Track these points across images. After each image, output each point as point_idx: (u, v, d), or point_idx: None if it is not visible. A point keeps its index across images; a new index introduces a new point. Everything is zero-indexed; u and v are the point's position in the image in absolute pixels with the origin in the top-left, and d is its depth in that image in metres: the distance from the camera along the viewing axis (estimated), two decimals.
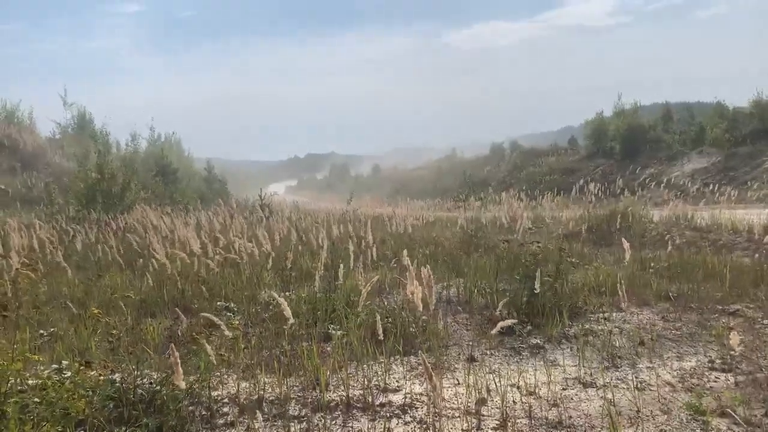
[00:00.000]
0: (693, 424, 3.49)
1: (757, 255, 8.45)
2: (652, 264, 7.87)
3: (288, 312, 4.02)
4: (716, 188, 17.36)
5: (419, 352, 4.54)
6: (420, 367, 4.58)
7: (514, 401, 3.84)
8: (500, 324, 3.54)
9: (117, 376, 3.69)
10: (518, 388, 4.07)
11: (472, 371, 4.21)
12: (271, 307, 6.07)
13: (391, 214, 15.82)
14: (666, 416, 3.59)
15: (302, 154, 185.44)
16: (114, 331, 4.78)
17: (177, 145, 47.99)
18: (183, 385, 2.93)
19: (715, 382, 4.17)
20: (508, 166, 49.12)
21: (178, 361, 2.78)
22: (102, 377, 3.61)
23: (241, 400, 3.95)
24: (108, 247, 8.90)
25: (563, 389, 4.07)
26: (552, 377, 4.20)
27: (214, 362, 3.73)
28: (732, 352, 4.13)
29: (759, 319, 5.66)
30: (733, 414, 3.50)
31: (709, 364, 4.50)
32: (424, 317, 5.41)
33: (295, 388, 4.16)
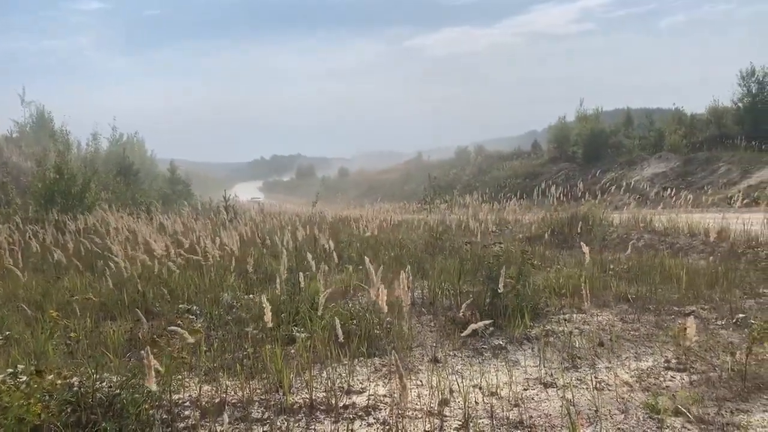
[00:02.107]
0: (649, 422, 3.58)
1: (711, 257, 8.70)
2: (611, 266, 8.04)
3: (269, 315, 4.01)
4: (674, 192, 17.80)
5: (391, 353, 4.56)
6: (384, 369, 4.60)
7: (476, 402, 3.89)
8: (472, 326, 3.59)
9: (75, 380, 3.61)
10: (480, 388, 4.12)
11: (435, 372, 4.25)
12: (234, 310, 6.03)
13: (357, 217, 15.83)
14: (624, 415, 3.68)
15: (268, 156, 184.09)
16: (73, 335, 4.69)
17: (140, 146, 47.19)
18: (155, 387, 2.89)
19: (671, 381, 4.28)
20: (473, 169, 49.61)
21: (152, 364, 2.75)
22: (59, 381, 3.53)
23: (203, 403, 3.91)
24: (66, 249, 8.70)
25: (524, 389, 4.13)
26: (513, 378, 4.27)
27: (173, 365, 3.69)
28: (688, 344, 4.26)
29: (713, 320, 5.82)
30: (687, 413, 3.60)
31: (666, 364, 4.61)
32: (388, 319, 5.44)
33: (258, 391, 4.14)
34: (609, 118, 43.92)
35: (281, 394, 3.99)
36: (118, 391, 3.50)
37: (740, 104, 34.20)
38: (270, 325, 3.76)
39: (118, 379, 3.68)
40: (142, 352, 2.81)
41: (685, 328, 3.70)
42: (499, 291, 5.23)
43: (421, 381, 4.32)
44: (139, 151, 45.23)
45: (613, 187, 21.26)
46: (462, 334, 3.69)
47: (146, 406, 3.56)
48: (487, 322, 4.07)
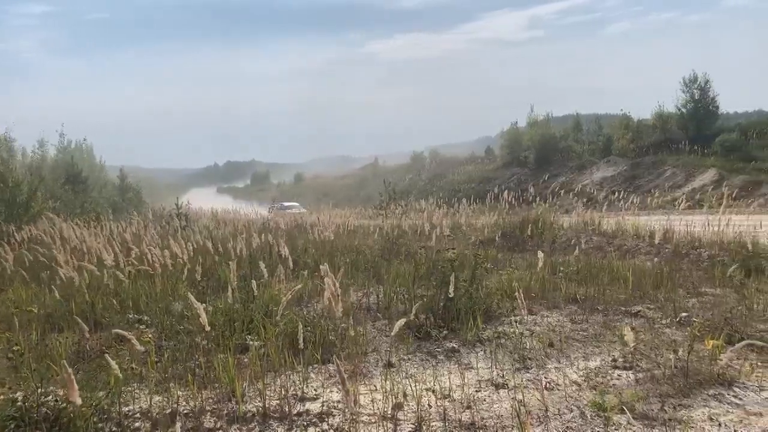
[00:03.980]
0: (596, 420, 3.68)
1: (657, 259, 9.00)
2: (561, 268, 8.23)
3: (204, 318, 3.97)
4: (622, 195, 18.35)
5: (334, 360, 4.56)
6: (338, 375, 4.60)
7: (429, 405, 3.93)
8: (398, 324, 3.67)
9: (19, 395, 3.51)
10: (434, 391, 4.16)
11: (389, 377, 4.28)
12: (186, 319, 5.94)
13: (313, 222, 15.77)
14: (572, 414, 3.77)
15: (222, 162, 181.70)
16: (16, 348, 4.55)
17: (88, 153, 46.01)
18: (79, 401, 2.83)
19: (618, 379, 4.41)
20: (428, 174, 50.01)
21: (72, 377, 2.69)
22: (1, 396, 3.43)
23: (154, 414, 3.84)
24: (9, 260, 8.41)
25: (477, 391, 4.19)
26: (466, 380, 4.33)
27: (122, 377, 3.62)
28: (629, 348, 4.40)
29: (658, 319, 6.02)
30: (632, 410, 3.72)
31: (613, 363, 4.75)
32: (343, 325, 5.46)
33: (210, 400, 4.09)
34: (559, 124, 44.99)
35: (234, 403, 3.96)
36: (64, 404, 3.42)
37: (684, 110, 35.50)
38: (208, 328, 3.72)
39: (65, 392, 3.59)
40: (66, 366, 2.75)
41: (631, 329, 3.84)
42: (451, 295, 5.30)
43: (375, 386, 4.34)
44: (88, 158, 44.11)
45: (562, 191, 21.74)
46: (393, 333, 3.73)
47: (94, 420, 3.49)
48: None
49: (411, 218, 17.18)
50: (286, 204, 40.38)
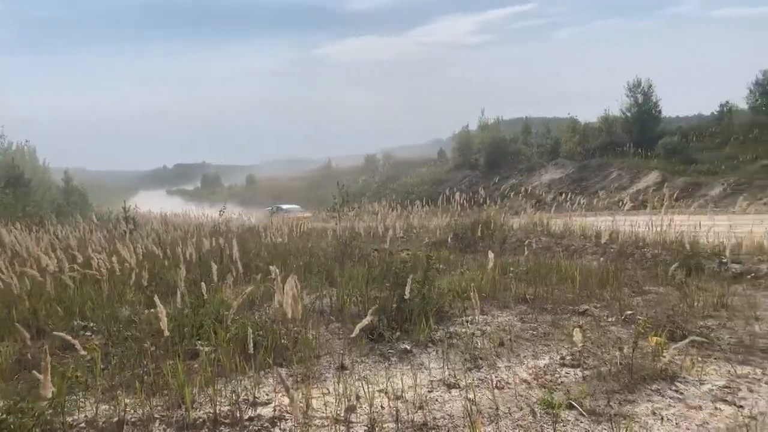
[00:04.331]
0: (546, 418, 3.76)
1: (603, 258, 9.26)
2: (511, 269, 8.37)
3: (164, 322, 3.88)
4: (570, 197, 18.78)
5: (276, 369, 4.54)
6: (290, 379, 4.57)
7: (382, 406, 3.95)
8: (359, 326, 3.67)
9: None
10: (386, 393, 4.18)
11: (342, 380, 4.27)
12: (134, 325, 5.80)
13: (266, 225, 15.61)
14: (522, 412, 3.85)
15: (171, 164, 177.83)
16: None
17: (31, 155, 44.38)
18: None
19: (566, 377, 4.51)
20: (381, 176, 50.17)
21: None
22: None
23: (100, 423, 3.74)
24: None
25: (429, 392, 4.23)
26: (418, 380, 4.36)
27: (67, 385, 3.51)
28: (576, 348, 4.52)
29: (605, 318, 6.19)
30: (580, 406, 3.82)
31: (561, 361, 4.86)
32: (296, 328, 5.42)
33: (159, 408, 4.01)
34: (510, 127, 45.80)
35: (183, 410, 3.89)
36: (4, 415, 3.29)
37: (628, 114, 36.64)
38: (167, 333, 3.65)
39: (5, 403, 3.46)
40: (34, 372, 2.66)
41: (579, 327, 3.94)
42: (406, 297, 5.33)
43: (328, 389, 4.33)
44: (31, 160, 42.54)
45: (512, 193, 22.12)
46: (351, 336, 3.74)
47: (37, 431, 3.37)
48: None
49: (365, 220, 17.20)
50: (284, 207, 37.30)
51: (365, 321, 3.92)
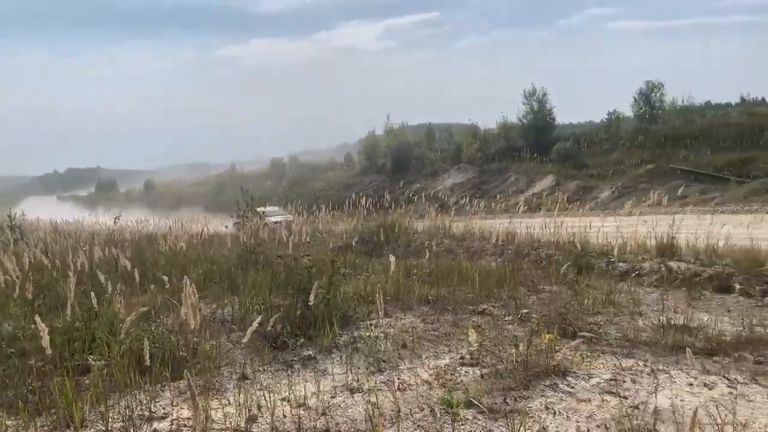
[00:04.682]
0: (445, 417, 3.85)
1: (501, 259, 9.61)
2: (415, 271, 8.52)
3: (46, 339, 3.65)
4: (471, 201, 19.38)
5: (186, 374, 4.39)
6: (188, 392, 4.42)
7: (284, 415, 3.90)
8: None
9: None
10: (289, 401, 4.13)
11: (243, 390, 4.18)
12: (17, 341, 5.41)
13: (165, 232, 15.04)
14: (423, 413, 3.92)
15: (62, 169, 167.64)
16: None
17: None
18: None
19: (465, 376, 4.64)
20: (288, 181, 49.70)
21: None
22: None
23: None
24: None
25: (332, 397, 4.23)
26: (321, 387, 4.35)
27: None
28: (472, 348, 4.66)
29: (502, 317, 6.43)
30: (478, 404, 3.93)
31: (461, 360, 5.00)
32: (195, 339, 5.25)
33: (45, 428, 3.77)
34: (413, 132, 46.60)
35: (72, 428, 3.67)
36: None
37: (525, 120, 38.30)
38: (49, 351, 3.44)
39: None
40: None
41: (477, 327, 4.06)
42: (310, 303, 5.30)
43: (228, 400, 4.23)
44: None
45: (416, 197, 22.56)
46: (243, 341, 3.69)
47: None
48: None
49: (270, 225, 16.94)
50: (269, 210, 31.03)
51: (253, 327, 3.86)
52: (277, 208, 28.87)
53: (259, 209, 32.22)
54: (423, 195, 24.71)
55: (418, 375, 4.63)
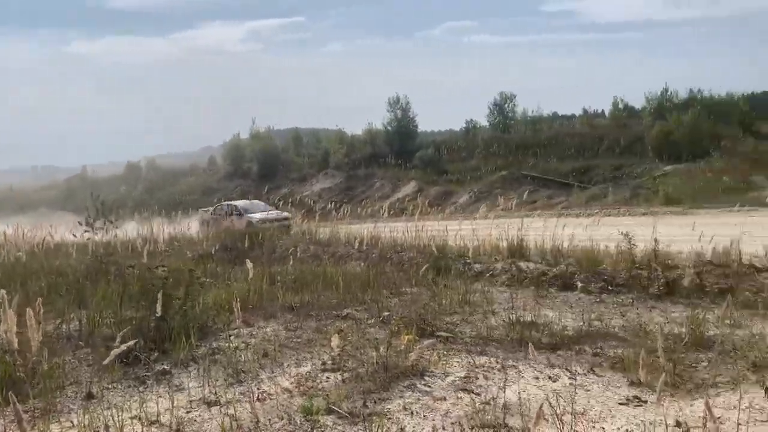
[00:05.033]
0: (306, 425, 3.83)
1: (365, 263, 9.75)
2: (279, 278, 8.42)
3: None
4: (339, 206, 19.54)
5: (21, 399, 4.01)
6: (27, 415, 4.05)
7: None
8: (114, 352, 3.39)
9: None
10: (140, 419, 3.91)
11: (89, 410, 3.90)
12: None
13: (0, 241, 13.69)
14: (282, 422, 3.87)
15: None
16: None
17: None
18: None
19: (327, 382, 4.65)
20: (145, 185, 47.26)
21: None
22: None
23: None
24: None
25: (187, 412, 4.06)
26: (176, 402, 4.16)
27: None
28: (334, 354, 4.69)
29: (365, 320, 6.51)
30: (338, 409, 3.95)
31: (322, 366, 5.00)
32: (35, 358, 4.82)
33: None
34: (281, 137, 46.21)
35: None
36: None
37: (389, 127, 39.31)
38: None
39: None
40: None
41: (340, 332, 4.08)
42: (158, 315, 5.05)
43: (71, 422, 3.92)
44: None
45: (282, 202, 22.36)
46: (104, 362, 3.46)
47: None
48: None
49: (125, 233, 15.98)
50: (245, 204, 23.97)
51: (122, 347, 3.59)
52: (261, 203, 24.66)
53: (235, 203, 24.18)
54: (290, 200, 24.51)
55: (279, 384, 4.57)
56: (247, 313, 6.77)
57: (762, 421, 3.59)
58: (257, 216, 21.06)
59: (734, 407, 3.70)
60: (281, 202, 22.40)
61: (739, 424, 3.31)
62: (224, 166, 45.64)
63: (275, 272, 8.98)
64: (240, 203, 24.17)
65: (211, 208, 24.42)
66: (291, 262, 8.86)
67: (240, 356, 5.22)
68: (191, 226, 18.47)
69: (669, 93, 33.85)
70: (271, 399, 4.27)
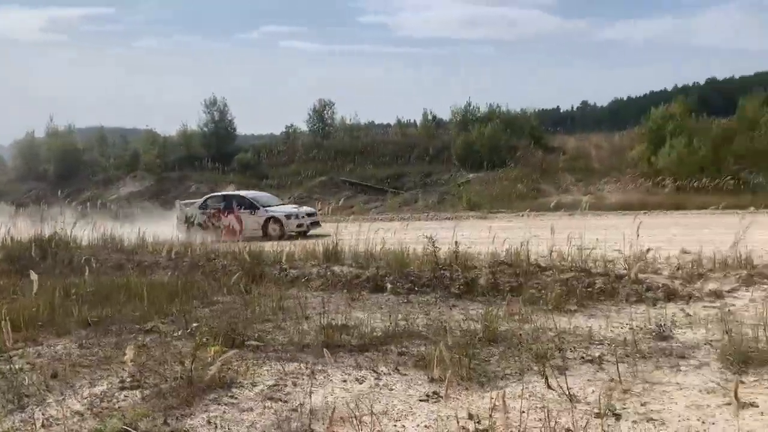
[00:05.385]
0: None
1: (175, 272, 9.30)
2: (75, 290, 7.72)
3: None
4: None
5: None
6: None
7: None
8: None
9: None
10: None
11: None
12: None
13: None
14: None
15: None
16: None
17: None
18: None
19: (124, 401, 4.35)
20: None
21: None
22: None
23: None
24: None
25: None
26: None
27: None
28: (133, 370, 4.41)
29: (171, 333, 6.19)
30: (134, 430, 3.70)
31: (120, 385, 4.67)
32: None
33: None
34: (83, 136, 42.61)
35: None
36: None
37: (206, 129, 38.01)
38: None
39: None
40: None
41: (142, 347, 3.83)
42: None
43: None
44: None
45: (81, 207, 20.66)
46: None
47: None
48: None
49: None
50: (248, 193, 19.21)
51: None
52: (265, 194, 19.97)
53: (242, 193, 18.58)
54: (94, 204, 22.63)
55: (69, 407, 4.18)
56: (37, 331, 6.15)
57: (540, 407, 3.99)
58: (281, 211, 16.42)
59: (519, 396, 4.09)
60: (80, 207, 20.61)
61: (522, 412, 3.65)
62: (15, 168, 40.95)
63: (70, 284, 8.22)
64: (248, 194, 18.93)
65: (197, 201, 19.33)
66: (87, 273, 8.15)
67: (24, 379, 4.69)
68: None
69: (471, 107, 36.40)
70: (58, 424, 3.89)
